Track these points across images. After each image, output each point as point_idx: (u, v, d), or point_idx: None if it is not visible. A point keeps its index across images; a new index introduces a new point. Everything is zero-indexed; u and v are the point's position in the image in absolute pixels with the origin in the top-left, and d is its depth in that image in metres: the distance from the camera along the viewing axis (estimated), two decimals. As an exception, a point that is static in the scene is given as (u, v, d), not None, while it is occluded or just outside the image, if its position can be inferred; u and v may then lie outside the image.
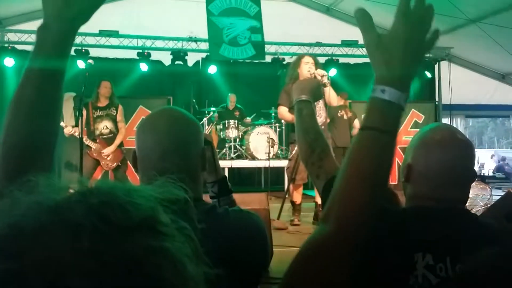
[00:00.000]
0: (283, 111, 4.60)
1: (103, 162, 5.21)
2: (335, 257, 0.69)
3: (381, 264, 0.93)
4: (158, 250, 0.38)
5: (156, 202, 0.42)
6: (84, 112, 5.11)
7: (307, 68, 4.53)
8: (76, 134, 4.98)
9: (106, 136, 5.24)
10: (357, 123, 6.22)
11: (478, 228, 1.02)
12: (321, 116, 4.61)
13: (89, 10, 0.84)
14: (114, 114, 5.36)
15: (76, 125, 4.95)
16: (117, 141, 5.33)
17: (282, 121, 4.90)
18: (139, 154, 1.07)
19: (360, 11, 0.78)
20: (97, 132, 5.21)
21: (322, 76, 4.39)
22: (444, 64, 8.74)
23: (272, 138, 6.72)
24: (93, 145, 5.17)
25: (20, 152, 0.76)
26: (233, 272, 0.66)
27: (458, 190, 1.07)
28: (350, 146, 0.75)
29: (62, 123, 4.97)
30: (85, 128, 5.08)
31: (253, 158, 7.06)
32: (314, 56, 4.89)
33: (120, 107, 5.44)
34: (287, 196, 4.83)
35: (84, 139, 5.03)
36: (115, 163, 5.34)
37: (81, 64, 6.98)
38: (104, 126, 5.23)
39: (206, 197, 1.19)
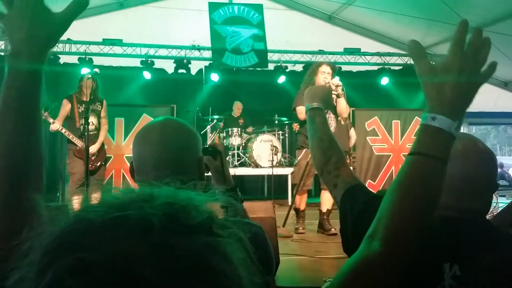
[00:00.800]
0: (301, 109, 4.59)
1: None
2: (386, 275, 0.73)
3: (412, 275, 0.93)
4: (217, 249, 0.40)
5: (211, 207, 0.45)
6: (69, 106, 4.96)
7: (323, 78, 4.50)
8: (63, 131, 4.85)
9: (92, 133, 4.88)
10: (353, 132, 6.17)
11: (501, 239, 1.03)
12: (331, 126, 4.61)
13: (58, 31, 0.84)
14: (99, 109, 5.10)
15: (82, 135, 4.75)
16: (101, 138, 5.07)
17: (294, 127, 4.83)
18: (135, 164, 1.09)
19: (412, 42, 0.80)
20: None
21: (337, 86, 4.39)
22: (446, 72, 8.74)
23: (275, 146, 6.73)
24: (78, 143, 4.85)
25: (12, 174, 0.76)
26: None
27: (480, 201, 1.06)
28: (400, 168, 0.78)
29: (50, 119, 4.82)
30: (68, 123, 4.91)
31: (257, 166, 7.06)
32: (332, 64, 4.83)
33: (105, 103, 5.18)
34: (293, 202, 4.83)
35: (70, 136, 4.86)
36: (99, 162, 5.09)
37: (84, 72, 7.02)
38: (90, 122, 4.81)
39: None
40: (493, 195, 1.13)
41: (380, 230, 0.74)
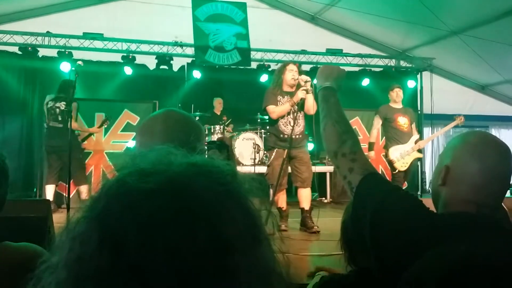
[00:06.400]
0: (273, 108, 4.61)
1: None
2: None
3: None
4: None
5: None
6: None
7: (291, 76, 4.58)
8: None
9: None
10: None
11: None
12: (299, 126, 4.64)
13: None
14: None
15: (66, 125, 5.07)
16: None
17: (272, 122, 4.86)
18: None
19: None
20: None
21: (306, 82, 4.43)
22: (426, 75, 8.91)
23: (257, 144, 6.73)
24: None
25: None
26: None
27: (498, 196, 1.06)
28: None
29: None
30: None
31: (238, 163, 7.05)
32: (298, 63, 4.94)
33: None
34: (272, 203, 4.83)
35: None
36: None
37: (64, 66, 6.91)
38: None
39: None
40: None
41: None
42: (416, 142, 5.68)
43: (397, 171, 5.59)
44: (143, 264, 0.40)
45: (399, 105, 5.78)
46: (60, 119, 5.66)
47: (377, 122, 5.86)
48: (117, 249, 0.40)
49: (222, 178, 0.48)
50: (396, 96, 5.74)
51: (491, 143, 1.06)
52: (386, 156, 5.72)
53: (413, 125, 5.79)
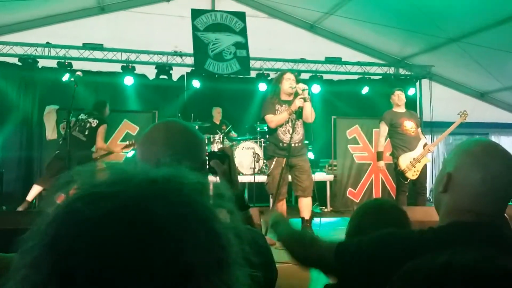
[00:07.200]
0: (271, 117, 4.62)
1: None
2: None
3: None
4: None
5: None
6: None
7: (288, 84, 4.61)
8: None
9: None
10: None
11: None
12: (298, 134, 4.66)
13: None
14: None
15: (64, 138, 5.16)
16: None
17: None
18: None
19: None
20: None
21: (303, 90, 4.47)
22: (425, 82, 8.92)
23: (257, 153, 6.72)
24: None
25: None
26: None
27: (499, 204, 1.05)
28: None
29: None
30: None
31: (238, 173, 7.04)
32: (297, 72, 4.96)
33: None
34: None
35: None
36: None
37: (66, 78, 6.92)
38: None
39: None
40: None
41: None
42: (424, 146, 5.36)
43: (408, 180, 5.27)
44: None
45: (402, 109, 5.52)
46: (86, 133, 5.76)
47: (384, 130, 5.51)
48: (66, 279, 0.39)
49: (185, 197, 0.45)
50: (398, 99, 5.48)
51: (495, 152, 1.05)
52: (397, 167, 5.34)
53: (419, 129, 5.53)
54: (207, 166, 1.20)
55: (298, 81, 4.70)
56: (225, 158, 1.27)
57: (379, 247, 1.06)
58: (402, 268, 0.84)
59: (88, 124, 5.78)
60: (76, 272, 0.38)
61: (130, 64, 7.63)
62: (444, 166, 1.12)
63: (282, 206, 4.67)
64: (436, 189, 1.11)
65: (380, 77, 8.72)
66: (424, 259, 0.89)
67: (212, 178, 1.21)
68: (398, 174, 5.37)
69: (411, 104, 8.72)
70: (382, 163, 5.61)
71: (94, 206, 0.41)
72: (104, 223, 0.40)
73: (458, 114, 5.62)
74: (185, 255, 0.41)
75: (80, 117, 5.88)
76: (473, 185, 1.03)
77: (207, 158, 1.14)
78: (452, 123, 5.61)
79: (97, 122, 5.78)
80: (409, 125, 5.39)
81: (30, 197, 5.57)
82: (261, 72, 8.16)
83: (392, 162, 5.58)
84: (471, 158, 1.06)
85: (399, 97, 5.51)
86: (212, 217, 0.46)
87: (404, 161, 5.29)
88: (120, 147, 6.16)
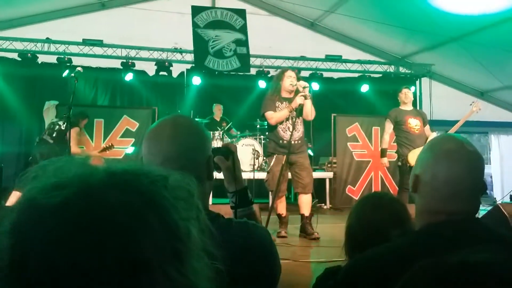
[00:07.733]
0: (271, 114, 4.62)
1: None
2: None
3: None
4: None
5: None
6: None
7: (289, 82, 4.61)
8: None
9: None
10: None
11: (492, 238, 1.01)
12: (298, 131, 4.66)
13: None
14: None
15: (64, 134, 5.09)
16: None
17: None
18: (144, 160, 1.09)
19: None
20: None
21: (304, 87, 4.47)
22: (425, 81, 8.92)
23: (257, 150, 6.73)
24: None
25: None
26: (233, 283, 0.66)
27: (468, 202, 1.04)
28: None
29: None
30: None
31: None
32: (298, 69, 4.95)
33: None
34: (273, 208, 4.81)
35: None
36: None
37: (65, 72, 6.92)
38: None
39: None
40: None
41: None
42: None
43: None
44: (43, 281, 0.39)
45: (409, 107, 5.51)
46: (54, 135, 5.72)
47: (389, 127, 5.47)
48: (22, 265, 0.40)
49: (143, 187, 0.46)
50: (405, 97, 5.48)
51: (457, 154, 1.04)
52: (404, 164, 5.24)
53: (427, 127, 5.48)
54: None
55: (299, 78, 4.70)
56: (229, 154, 1.28)
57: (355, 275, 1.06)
58: (413, 267, 0.84)
59: (57, 127, 5.74)
60: (28, 259, 0.39)
61: (130, 60, 7.62)
62: (414, 166, 1.12)
63: (282, 203, 4.68)
64: (410, 188, 1.11)
65: (380, 75, 8.71)
66: (436, 258, 0.89)
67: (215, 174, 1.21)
68: (404, 172, 5.30)
69: (412, 103, 8.73)
70: (385, 160, 5.59)
71: (51, 194, 0.42)
72: (57, 211, 0.41)
73: (470, 104, 5.62)
74: (137, 244, 0.42)
75: (53, 120, 5.93)
76: (438, 188, 1.03)
77: (212, 154, 1.14)
78: (452, 122, 5.62)
79: (66, 125, 5.61)
80: (413, 123, 5.37)
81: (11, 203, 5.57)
82: (261, 69, 8.16)
83: (394, 160, 5.58)
84: (436, 158, 1.05)
85: (406, 95, 5.51)
86: (169, 208, 0.46)
87: (413, 157, 5.20)
88: (97, 150, 6.14)
